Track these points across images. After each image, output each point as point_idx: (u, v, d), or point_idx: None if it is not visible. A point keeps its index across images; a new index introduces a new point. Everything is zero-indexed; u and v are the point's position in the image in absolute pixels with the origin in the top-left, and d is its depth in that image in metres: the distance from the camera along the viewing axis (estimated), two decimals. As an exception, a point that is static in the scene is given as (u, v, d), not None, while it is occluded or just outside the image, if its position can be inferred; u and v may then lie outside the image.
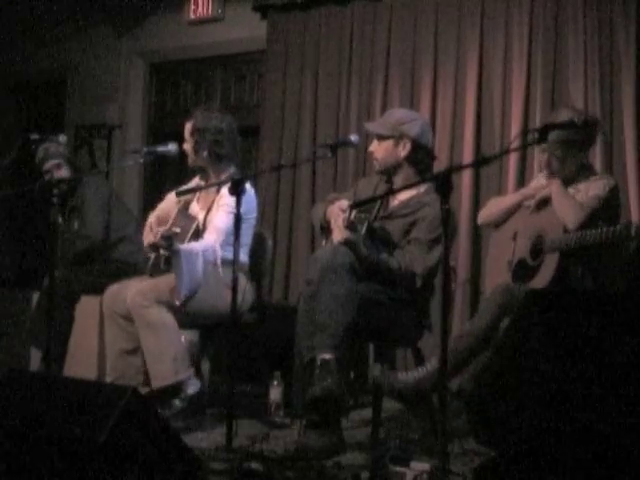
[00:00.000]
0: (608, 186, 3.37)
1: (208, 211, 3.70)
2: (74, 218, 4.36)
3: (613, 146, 4.30)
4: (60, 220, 4.39)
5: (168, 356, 3.42)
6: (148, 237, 3.58)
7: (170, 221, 3.65)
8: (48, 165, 4.35)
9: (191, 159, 3.78)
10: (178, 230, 3.56)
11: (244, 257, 3.66)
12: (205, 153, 3.72)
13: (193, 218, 3.68)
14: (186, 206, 3.81)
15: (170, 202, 3.82)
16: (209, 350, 3.82)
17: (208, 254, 3.51)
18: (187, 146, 3.76)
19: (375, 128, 3.50)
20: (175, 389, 3.42)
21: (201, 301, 3.50)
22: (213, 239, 3.55)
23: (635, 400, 2.06)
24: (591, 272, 3.32)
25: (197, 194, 3.83)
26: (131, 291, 3.46)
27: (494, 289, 3.42)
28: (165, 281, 3.50)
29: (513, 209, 3.61)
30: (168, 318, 3.44)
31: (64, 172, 4.37)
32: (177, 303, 3.44)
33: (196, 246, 3.51)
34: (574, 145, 3.39)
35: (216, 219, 3.61)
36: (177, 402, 3.41)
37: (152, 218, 3.73)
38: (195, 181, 3.90)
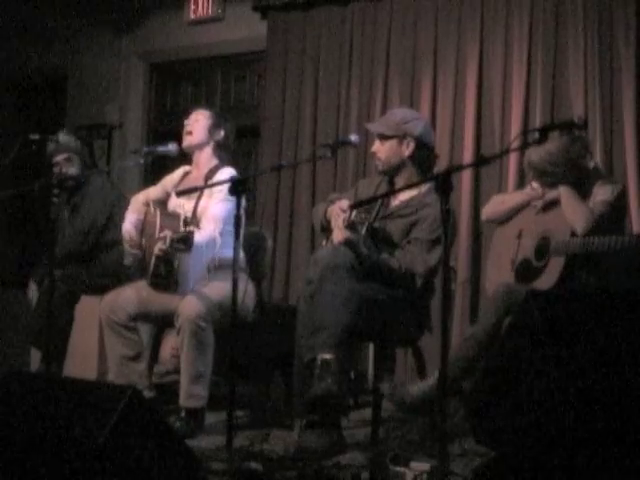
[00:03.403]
0: (616, 190, 3.37)
1: (198, 200, 3.62)
2: (75, 215, 4.36)
3: (613, 146, 4.30)
4: (66, 216, 4.40)
5: (206, 379, 3.40)
6: (157, 245, 3.40)
7: (157, 225, 3.51)
8: (58, 158, 4.36)
9: (195, 139, 3.71)
10: (192, 229, 3.39)
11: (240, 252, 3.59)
12: (221, 133, 3.71)
13: (176, 215, 3.55)
14: (162, 202, 3.73)
15: (138, 205, 3.71)
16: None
17: (210, 244, 3.48)
18: (196, 125, 3.71)
19: (378, 128, 3.48)
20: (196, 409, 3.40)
21: (221, 305, 3.42)
22: (212, 228, 3.50)
23: (637, 400, 2.06)
24: (596, 277, 3.32)
25: (175, 186, 3.77)
26: (186, 306, 3.37)
27: (496, 289, 3.42)
28: (216, 297, 3.44)
29: (520, 207, 3.61)
30: (213, 341, 3.42)
31: (73, 166, 4.37)
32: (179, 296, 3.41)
33: (200, 239, 3.43)
34: (556, 174, 3.41)
35: (212, 208, 3.55)
36: (175, 419, 3.37)
37: (128, 229, 3.61)
38: (183, 170, 3.84)
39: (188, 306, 3.37)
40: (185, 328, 3.35)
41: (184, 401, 3.39)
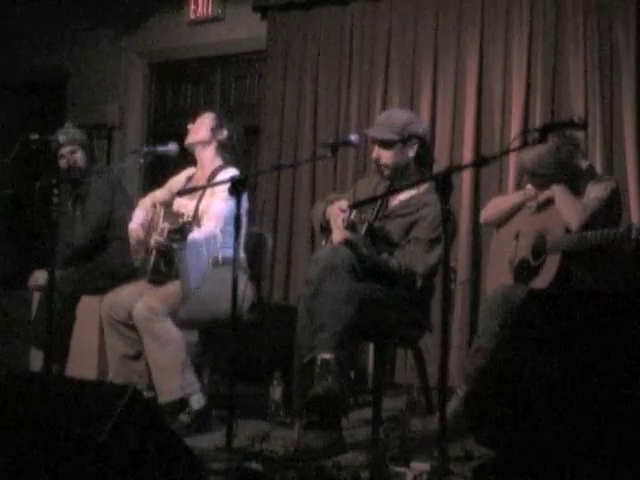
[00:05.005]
0: (609, 187, 3.37)
1: (200, 200, 3.65)
2: (78, 207, 4.37)
3: (613, 146, 4.30)
4: (70, 207, 4.40)
5: (175, 371, 3.38)
6: (154, 237, 3.47)
7: (160, 222, 3.56)
8: (64, 150, 4.36)
9: (197, 136, 3.74)
10: (188, 219, 3.46)
11: (240, 252, 3.61)
12: (224, 133, 3.74)
13: (180, 214, 3.58)
14: (168, 204, 3.75)
15: (145, 207, 3.76)
16: (209, 350, 3.81)
17: (210, 241, 3.49)
18: (201, 127, 3.75)
19: (383, 134, 3.38)
20: (181, 404, 3.38)
21: (204, 303, 3.45)
22: (213, 225, 3.52)
23: (636, 399, 2.06)
24: (592, 273, 3.33)
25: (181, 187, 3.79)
26: (138, 303, 3.39)
27: (494, 292, 3.42)
28: (172, 292, 3.44)
29: (516, 208, 3.62)
30: (175, 332, 3.41)
31: (79, 158, 4.37)
32: (185, 298, 3.40)
33: (198, 236, 3.46)
34: (547, 176, 3.42)
35: (214, 206, 3.57)
36: (183, 417, 3.35)
37: (135, 227, 3.65)
38: (189, 171, 3.87)
39: (138, 305, 3.38)
40: (139, 326, 3.38)
41: (160, 397, 3.38)
